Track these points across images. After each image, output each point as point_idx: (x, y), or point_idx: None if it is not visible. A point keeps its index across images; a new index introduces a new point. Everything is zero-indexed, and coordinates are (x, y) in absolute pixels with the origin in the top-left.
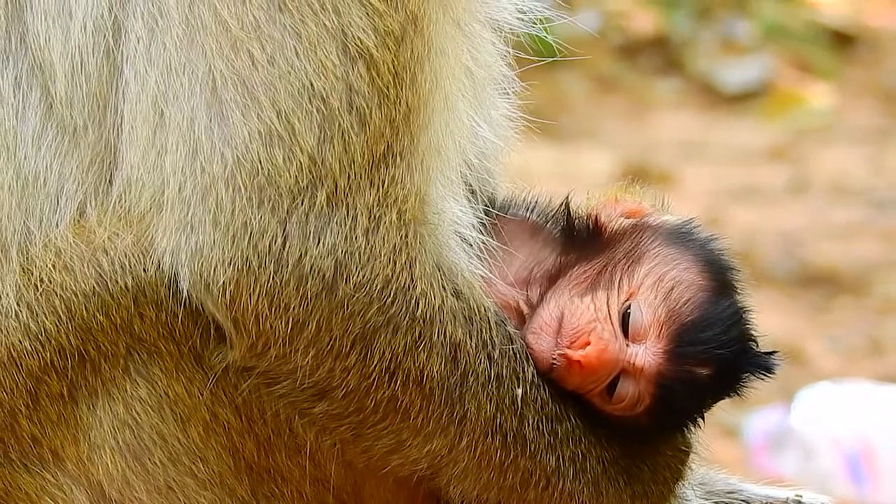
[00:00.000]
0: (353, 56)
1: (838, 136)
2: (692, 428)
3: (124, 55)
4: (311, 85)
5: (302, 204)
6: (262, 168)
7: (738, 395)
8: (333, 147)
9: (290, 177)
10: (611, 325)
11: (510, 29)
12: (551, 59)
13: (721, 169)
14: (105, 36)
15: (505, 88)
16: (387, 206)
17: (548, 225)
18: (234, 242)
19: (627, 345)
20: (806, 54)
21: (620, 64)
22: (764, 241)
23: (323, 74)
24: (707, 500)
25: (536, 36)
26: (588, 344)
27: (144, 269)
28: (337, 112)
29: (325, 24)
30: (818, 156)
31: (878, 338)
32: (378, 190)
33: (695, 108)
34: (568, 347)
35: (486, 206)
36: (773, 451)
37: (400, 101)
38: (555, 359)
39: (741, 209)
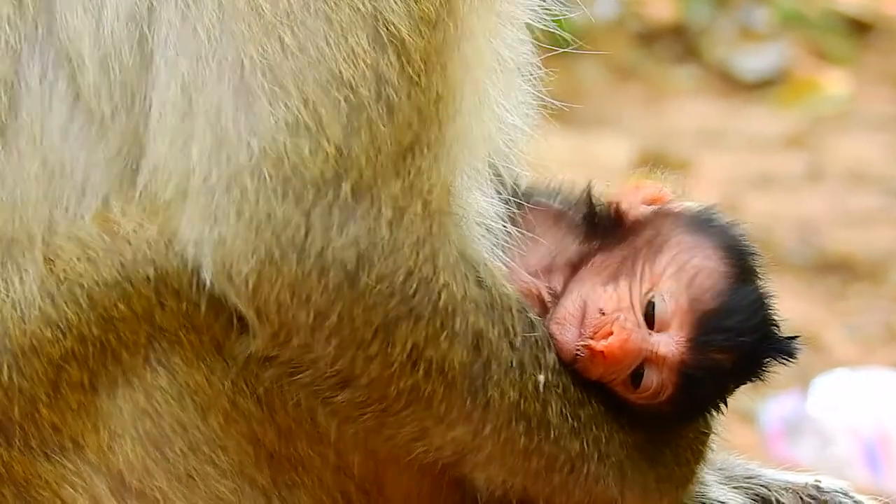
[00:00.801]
0: (384, 43)
1: (855, 123)
2: (714, 413)
3: (156, 42)
4: (341, 73)
5: (326, 196)
6: (288, 159)
7: (760, 380)
8: (361, 138)
9: (316, 168)
10: (633, 315)
11: (531, 16)
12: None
13: (738, 156)
14: (138, 24)
15: (528, 75)
16: (412, 197)
17: (570, 213)
18: (257, 233)
19: (650, 334)
20: (823, 42)
21: (638, 52)
22: (781, 228)
23: (353, 62)
24: (726, 484)
25: (555, 23)
26: (611, 334)
27: (166, 260)
28: (365, 102)
29: (358, 8)
30: (835, 143)
31: (894, 325)
32: (404, 181)
33: (712, 96)
34: (591, 338)
35: (509, 193)
36: (790, 438)
37: (430, 89)
38: (578, 349)
39: (758, 196)
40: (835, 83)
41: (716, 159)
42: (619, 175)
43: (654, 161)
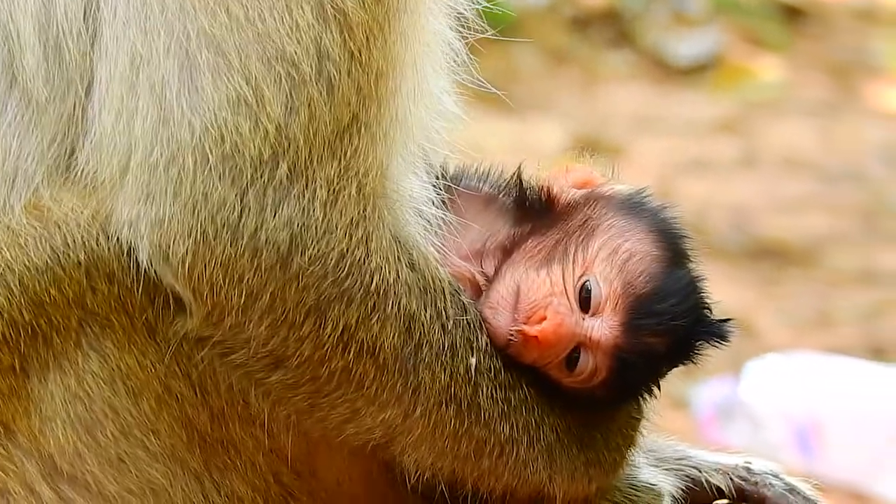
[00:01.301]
0: (328, 16)
1: (789, 109)
2: (647, 397)
3: (105, 15)
4: (284, 48)
5: (263, 176)
6: (229, 137)
7: (693, 363)
8: (300, 116)
9: (255, 147)
10: (566, 300)
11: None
12: (501, 35)
13: (672, 142)
14: None
15: (462, 59)
16: (347, 179)
17: (501, 196)
18: (193, 213)
19: (583, 318)
20: (756, 28)
21: (572, 37)
22: (714, 213)
23: (297, 37)
24: (657, 466)
25: (489, 8)
26: (544, 319)
27: (97, 244)
28: (307, 78)
29: None
30: (769, 129)
31: (827, 310)
32: (340, 162)
33: (646, 81)
34: (524, 323)
35: (440, 176)
36: (722, 423)
37: (370, 66)
38: (511, 334)
39: (692, 182)
40: (768, 69)
41: (650, 144)
42: (554, 159)
43: (588, 145)
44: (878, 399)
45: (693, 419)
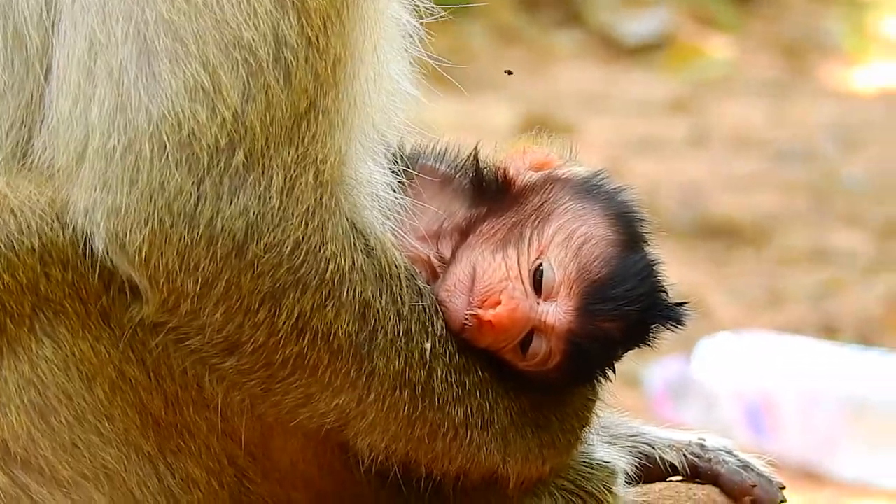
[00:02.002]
0: (286, 3)
1: (738, 88)
2: (602, 380)
3: (63, 2)
4: (242, 35)
5: (219, 163)
6: (186, 124)
7: (648, 346)
8: (257, 104)
9: (212, 135)
10: (521, 284)
11: None
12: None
13: (622, 121)
14: None
15: (414, 39)
16: (305, 166)
17: (457, 177)
18: (150, 201)
19: (538, 303)
20: (706, 7)
21: (521, 16)
22: (664, 192)
23: (254, 24)
24: (611, 443)
25: None
26: (499, 303)
27: (52, 230)
28: (264, 65)
29: None
30: (718, 108)
31: (777, 289)
32: (297, 149)
33: (595, 61)
34: (479, 307)
35: (396, 159)
36: (674, 401)
37: (328, 52)
38: (466, 318)
39: (642, 161)
40: (718, 48)
41: (599, 123)
42: (504, 138)
43: (538, 125)
44: (828, 378)
45: (645, 397)
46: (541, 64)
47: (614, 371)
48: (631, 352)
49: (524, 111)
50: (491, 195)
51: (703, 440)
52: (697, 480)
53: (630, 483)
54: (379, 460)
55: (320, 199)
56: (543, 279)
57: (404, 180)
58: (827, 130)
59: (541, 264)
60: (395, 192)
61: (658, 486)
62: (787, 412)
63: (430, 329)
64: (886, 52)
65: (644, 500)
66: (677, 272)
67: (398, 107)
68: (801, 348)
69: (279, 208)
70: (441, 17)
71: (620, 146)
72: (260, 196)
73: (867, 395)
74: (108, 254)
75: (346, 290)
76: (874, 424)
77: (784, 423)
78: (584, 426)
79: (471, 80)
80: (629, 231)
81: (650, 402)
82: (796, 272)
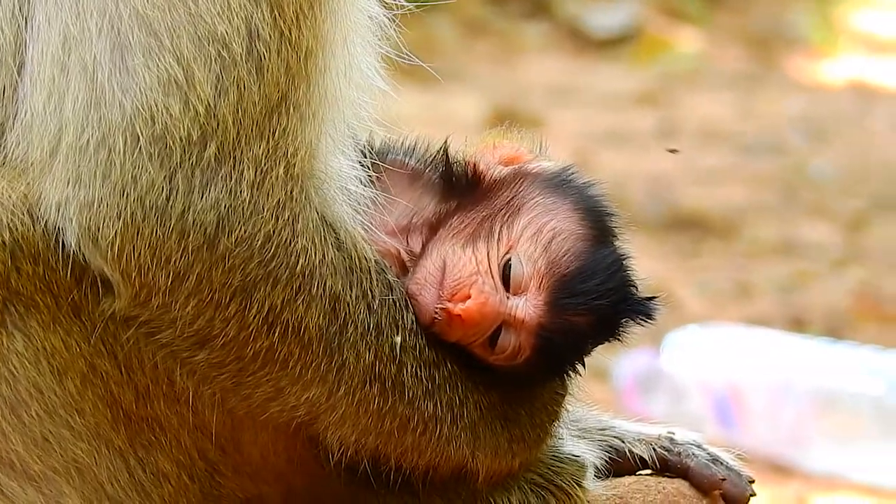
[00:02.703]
0: None
1: (706, 81)
2: (572, 374)
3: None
4: (215, 28)
5: (191, 157)
6: (159, 118)
7: (618, 340)
8: (229, 97)
9: (184, 128)
10: (491, 279)
11: None
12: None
13: (590, 113)
14: None
15: (383, 32)
16: (275, 159)
17: (427, 171)
18: (122, 196)
19: (508, 297)
20: (675, 0)
21: (489, 8)
22: (632, 185)
23: (227, 17)
24: (581, 437)
25: None
26: (469, 297)
27: (23, 224)
28: (237, 58)
29: None
30: (686, 101)
31: (745, 282)
32: (268, 143)
33: (563, 53)
34: (449, 301)
35: (366, 152)
36: (643, 394)
37: (300, 45)
38: (436, 312)
39: (610, 154)
40: (686, 41)
41: (567, 116)
42: (473, 131)
43: (506, 117)
44: (797, 371)
45: (614, 390)
46: (509, 56)
47: (584, 365)
48: (600, 346)
49: (492, 104)
50: (461, 190)
51: (673, 434)
52: (667, 474)
53: (599, 477)
54: (349, 454)
55: (291, 192)
56: (512, 273)
57: (374, 174)
58: (795, 123)
59: (510, 259)
60: (365, 186)
61: (627, 479)
62: (756, 405)
63: (400, 323)
64: (854, 44)
65: (613, 494)
66: (646, 265)
67: (368, 100)
68: (769, 341)
69: (250, 202)
70: (409, 10)
71: (589, 139)
72: (231, 190)
73: (836, 388)
74: (80, 248)
75: (316, 284)
76: (843, 417)
77: (753, 415)
78: (553, 421)
79: (439, 73)
80: (599, 225)
81: (619, 395)
82: (765, 265)
